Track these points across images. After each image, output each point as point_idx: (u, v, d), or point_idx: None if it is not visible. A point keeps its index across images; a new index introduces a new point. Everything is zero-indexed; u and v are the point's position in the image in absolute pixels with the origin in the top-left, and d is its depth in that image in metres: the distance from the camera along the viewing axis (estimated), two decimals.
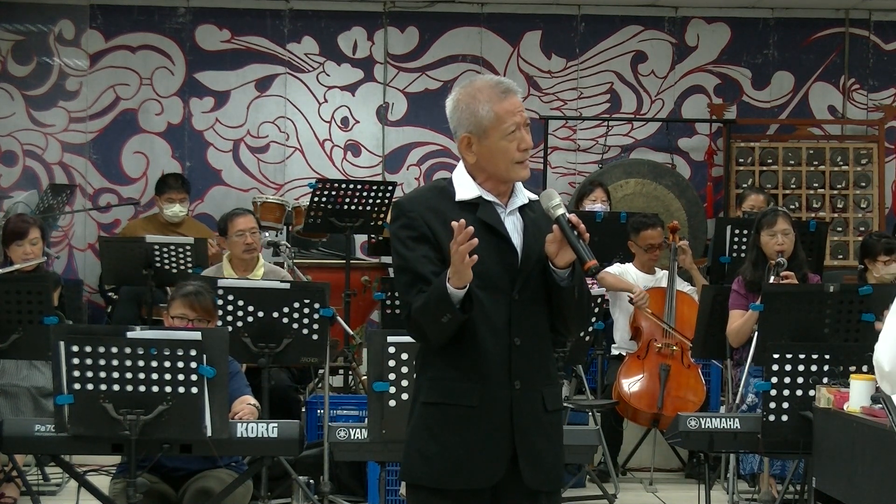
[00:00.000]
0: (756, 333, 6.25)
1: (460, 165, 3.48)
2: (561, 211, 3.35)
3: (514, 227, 3.43)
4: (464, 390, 3.36)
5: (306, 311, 6.03)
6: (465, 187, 3.43)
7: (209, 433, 4.70)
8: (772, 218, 6.77)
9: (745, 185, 9.86)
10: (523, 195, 3.47)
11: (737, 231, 7.70)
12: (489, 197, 3.42)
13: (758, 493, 6.71)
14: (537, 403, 3.42)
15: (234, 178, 10.12)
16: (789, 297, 6.16)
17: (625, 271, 7.65)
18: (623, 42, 10.30)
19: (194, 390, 4.66)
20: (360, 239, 9.64)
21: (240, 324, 6.02)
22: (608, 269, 7.54)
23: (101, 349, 4.64)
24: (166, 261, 7.52)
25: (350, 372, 7.88)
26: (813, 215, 9.92)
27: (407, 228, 3.39)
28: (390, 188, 7.86)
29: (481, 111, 3.38)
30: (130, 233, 8.68)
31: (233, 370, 5.05)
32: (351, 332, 7.27)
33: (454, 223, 3.24)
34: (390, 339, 4.87)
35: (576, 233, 3.32)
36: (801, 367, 5.23)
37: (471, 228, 3.22)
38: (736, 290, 6.76)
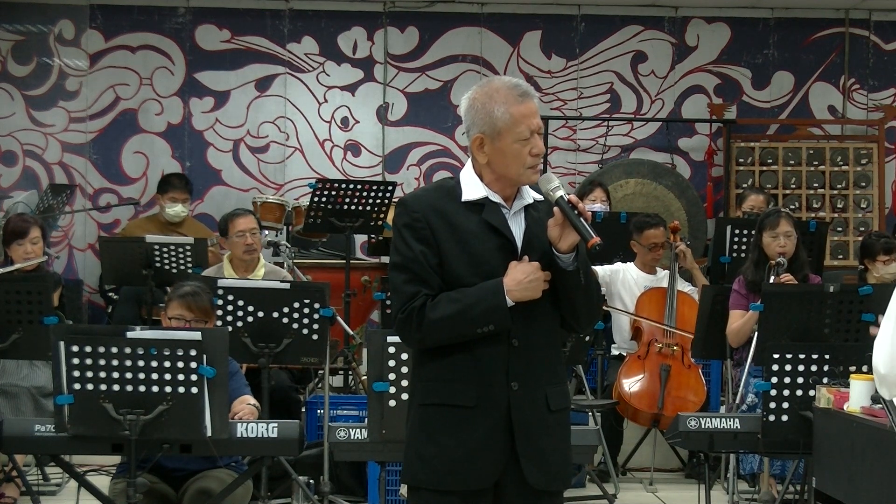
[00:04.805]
0: (756, 333, 6.25)
1: (468, 165, 3.48)
2: (560, 193, 3.36)
3: (518, 228, 3.43)
4: (460, 391, 3.36)
5: (306, 311, 6.02)
6: (472, 187, 3.43)
7: (209, 433, 4.69)
8: (774, 219, 6.76)
9: (745, 185, 9.86)
10: (529, 196, 3.46)
11: (737, 231, 7.69)
12: (495, 198, 3.42)
13: (758, 493, 6.71)
14: (540, 403, 3.41)
15: (234, 178, 10.12)
16: (789, 298, 6.15)
17: (625, 270, 7.65)
18: (623, 42, 10.30)
19: (194, 390, 4.65)
20: (360, 239, 9.64)
21: (240, 324, 6.01)
22: (600, 268, 7.51)
23: (101, 349, 4.63)
24: (166, 261, 7.52)
25: (350, 372, 7.88)
26: (813, 215, 9.92)
27: (409, 228, 3.39)
28: (390, 188, 7.86)
29: (497, 112, 3.37)
30: (130, 233, 8.67)
31: (232, 370, 5.05)
32: (351, 332, 7.26)
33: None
34: (390, 339, 4.87)
35: (576, 212, 3.32)
36: (801, 367, 5.23)
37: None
38: (737, 290, 6.76)
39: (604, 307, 7.34)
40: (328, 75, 10.19)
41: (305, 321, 6.03)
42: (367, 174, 10.11)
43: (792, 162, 10.18)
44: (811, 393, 5.15)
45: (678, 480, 7.59)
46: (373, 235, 8.72)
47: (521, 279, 3.33)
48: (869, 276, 7.08)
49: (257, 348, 6.00)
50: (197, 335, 4.70)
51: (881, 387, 3.73)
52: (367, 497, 6.47)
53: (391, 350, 4.87)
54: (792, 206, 9.92)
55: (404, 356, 4.83)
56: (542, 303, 3.39)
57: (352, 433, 5.00)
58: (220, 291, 5.99)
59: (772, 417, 5.24)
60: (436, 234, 3.37)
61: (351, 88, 10.22)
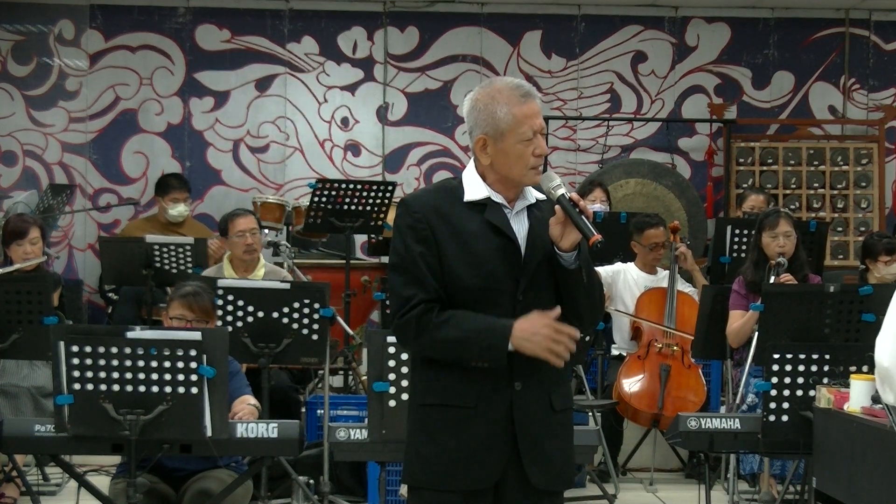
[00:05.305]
0: (756, 333, 6.25)
1: (470, 165, 3.48)
2: (562, 191, 3.35)
3: (520, 227, 3.43)
4: (461, 391, 3.36)
5: (306, 311, 6.03)
6: (475, 187, 3.42)
7: (209, 433, 4.69)
8: (774, 219, 6.76)
9: (745, 185, 9.86)
10: (531, 195, 3.46)
11: (737, 231, 7.69)
12: (497, 198, 3.42)
13: (758, 493, 6.71)
14: (543, 403, 3.41)
15: (234, 178, 10.12)
16: (789, 298, 6.15)
17: (625, 271, 7.65)
18: (623, 42, 10.30)
19: (194, 390, 4.65)
20: (360, 239, 9.64)
21: (240, 324, 6.01)
22: (601, 269, 7.52)
23: (101, 349, 4.63)
24: (166, 261, 7.52)
25: (350, 372, 7.88)
26: (813, 215, 9.92)
27: (411, 229, 3.38)
28: (390, 188, 7.86)
29: (499, 113, 3.36)
30: (129, 234, 8.66)
31: (233, 370, 5.05)
32: (351, 332, 7.26)
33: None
34: (390, 339, 4.86)
35: (577, 210, 3.32)
36: (801, 367, 5.23)
37: (575, 333, 3.32)
38: (736, 291, 6.76)
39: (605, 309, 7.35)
40: (328, 75, 10.19)
41: (305, 321, 6.03)
42: (367, 174, 10.10)
43: (792, 162, 10.18)
44: (811, 393, 5.15)
45: (678, 480, 7.59)
46: (373, 235, 8.71)
47: (527, 328, 3.30)
48: (870, 276, 7.08)
49: (257, 348, 6.00)
50: (197, 335, 4.70)
51: (883, 385, 3.72)
52: (367, 497, 6.47)
53: (391, 350, 4.87)
54: (792, 206, 9.92)
55: (404, 356, 4.83)
56: (545, 303, 3.38)
57: (352, 433, 5.00)
58: (220, 291, 5.99)
59: (772, 417, 5.24)
60: (436, 234, 3.37)
61: (351, 88, 10.22)
